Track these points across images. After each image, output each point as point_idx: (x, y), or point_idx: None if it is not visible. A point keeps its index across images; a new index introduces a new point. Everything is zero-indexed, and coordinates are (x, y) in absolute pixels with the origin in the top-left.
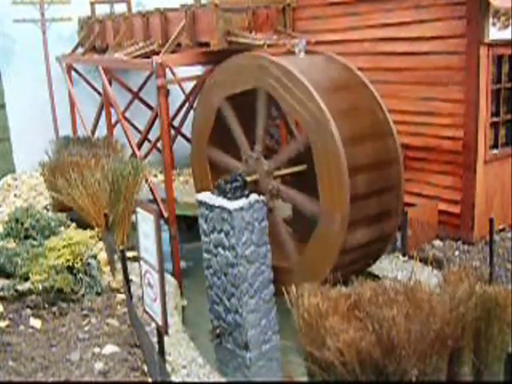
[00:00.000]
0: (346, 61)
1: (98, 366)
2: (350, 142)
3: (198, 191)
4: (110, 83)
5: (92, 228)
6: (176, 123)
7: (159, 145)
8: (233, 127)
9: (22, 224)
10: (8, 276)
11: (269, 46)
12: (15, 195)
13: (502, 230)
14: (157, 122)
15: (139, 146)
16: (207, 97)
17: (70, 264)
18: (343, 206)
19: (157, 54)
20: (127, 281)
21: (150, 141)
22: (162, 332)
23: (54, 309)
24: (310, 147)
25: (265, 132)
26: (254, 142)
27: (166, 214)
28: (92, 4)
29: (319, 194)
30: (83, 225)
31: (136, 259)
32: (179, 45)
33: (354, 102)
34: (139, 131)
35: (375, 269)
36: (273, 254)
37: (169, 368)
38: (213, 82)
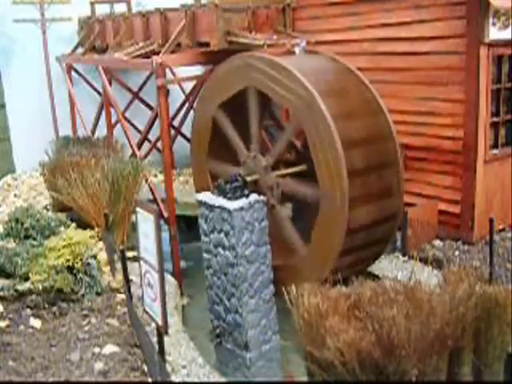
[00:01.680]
0: (334, 55)
1: (98, 365)
2: (340, 118)
3: (198, 191)
4: (110, 83)
5: (92, 228)
6: (176, 123)
7: (159, 145)
8: (229, 134)
9: (22, 224)
10: (8, 276)
11: (269, 45)
12: (15, 195)
13: (502, 229)
14: (157, 122)
15: (139, 146)
16: (202, 108)
17: (70, 264)
18: (341, 181)
19: (157, 53)
20: (127, 281)
21: (149, 141)
22: (161, 332)
23: (54, 309)
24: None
25: (259, 129)
26: (251, 142)
27: (166, 214)
28: (92, 4)
29: (316, 174)
30: (83, 225)
31: (136, 259)
32: (179, 45)
33: (340, 83)
34: (139, 131)
35: (375, 269)
36: (277, 253)
37: (169, 368)
38: (205, 93)
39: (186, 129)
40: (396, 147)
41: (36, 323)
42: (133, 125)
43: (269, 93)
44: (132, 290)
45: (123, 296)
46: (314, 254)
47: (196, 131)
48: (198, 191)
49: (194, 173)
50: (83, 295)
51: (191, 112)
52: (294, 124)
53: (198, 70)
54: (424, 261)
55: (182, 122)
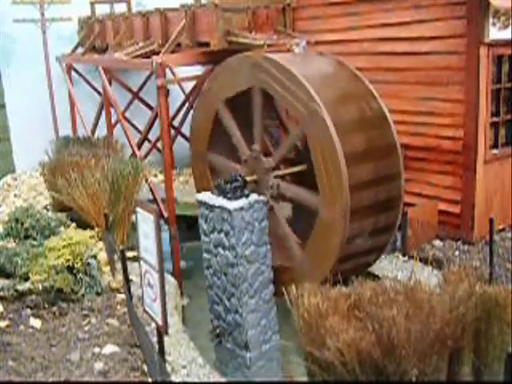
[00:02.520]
0: (340, 58)
1: (98, 365)
2: (344, 129)
3: (198, 191)
4: (110, 83)
5: (92, 228)
6: (176, 123)
7: (159, 145)
8: (231, 130)
9: (22, 224)
10: (8, 276)
11: (269, 45)
12: (15, 195)
13: (502, 229)
14: (157, 122)
15: (139, 145)
16: (204, 102)
17: (70, 264)
18: (343, 196)
19: (157, 54)
20: (127, 281)
21: (149, 141)
22: (162, 332)
23: (54, 309)
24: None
25: (262, 130)
26: (253, 141)
27: (166, 214)
28: (92, 4)
29: (317, 183)
30: (83, 225)
31: (136, 259)
32: (179, 45)
33: (344, 90)
34: (139, 131)
35: (375, 269)
36: (275, 253)
37: (169, 368)
38: (209, 88)
39: (186, 129)
40: (399, 161)
41: (36, 323)
42: (133, 125)
43: (276, 96)
44: (132, 290)
45: (123, 296)
46: (308, 261)
47: (197, 122)
48: (196, 182)
49: (192, 165)
50: (83, 295)
51: (191, 112)
52: (299, 131)
53: (197, 70)
54: (424, 261)
55: (182, 122)
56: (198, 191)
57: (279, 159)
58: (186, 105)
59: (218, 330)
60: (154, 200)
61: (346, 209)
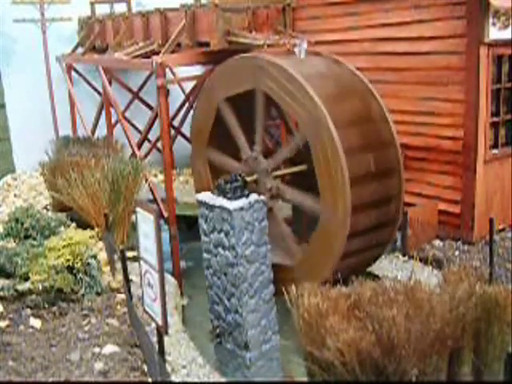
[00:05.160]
0: (340, 58)
1: (98, 365)
2: (343, 127)
3: (198, 191)
4: (110, 83)
5: (92, 228)
6: (176, 123)
7: (159, 145)
8: (232, 129)
9: (22, 224)
10: (8, 276)
11: (269, 45)
12: (15, 195)
13: (502, 230)
14: (157, 122)
15: (139, 145)
16: (206, 98)
17: (70, 264)
18: (344, 195)
19: (157, 54)
20: (127, 281)
21: (149, 141)
22: (162, 332)
23: (54, 309)
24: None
25: (264, 132)
26: (253, 142)
27: (166, 214)
28: (92, 4)
29: (318, 184)
30: (83, 225)
31: (136, 259)
32: (179, 45)
33: (347, 92)
34: (139, 131)
35: (375, 269)
36: (275, 253)
37: (169, 368)
38: (211, 84)
39: (186, 129)
40: (398, 155)
41: (36, 323)
42: (133, 125)
43: (279, 102)
44: (132, 290)
45: (123, 296)
46: (308, 263)
47: (198, 118)
48: (195, 176)
49: (192, 159)
50: (83, 295)
51: (191, 112)
52: (300, 135)
53: (197, 70)
54: (424, 261)
55: (182, 122)
56: (197, 190)
57: (279, 163)
58: (186, 105)
59: (217, 330)
60: (154, 200)
61: (347, 211)
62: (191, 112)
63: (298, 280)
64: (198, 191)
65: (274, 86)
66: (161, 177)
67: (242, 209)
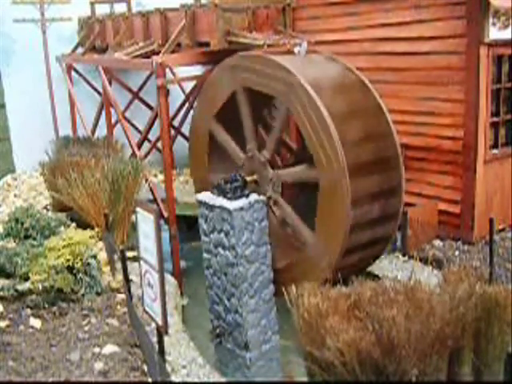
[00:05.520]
0: (340, 58)
1: (98, 365)
2: (338, 118)
3: (197, 186)
4: (110, 83)
5: (92, 228)
6: (176, 123)
7: (159, 145)
8: (225, 143)
9: (22, 224)
10: (8, 276)
11: (269, 45)
12: (15, 195)
13: (502, 230)
14: (157, 121)
15: (139, 146)
16: (197, 124)
17: (70, 264)
18: (337, 151)
19: (157, 54)
20: (127, 281)
21: (149, 141)
22: (162, 332)
23: (54, 309)
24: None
25: (254, 128)
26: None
27: (166, 214)
28: (92, 4)
29: (311, 152)
30: (83, 225)
31: (136, 259)
32: (179, 45)
33: (323, 71)
34: (139, 131)
35: (375, 269)
36: (282, 253)
37: (169, 368)
38: (198, 109)
39: (186, 129)
40: (396, 145)
41: (36, 323)
42: (133, 125)
43: (256, 87)
44: (132, 290)
45: (123, 296)
46: (322, 233)
47: (194, 147)
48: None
49: (191, 131)
50: (83, 295)
51: (191, 112)
52: (282, 112)
53: (197, 70)
54: (424, 261)
55: (181, 122)
56: (195, 179)
57: (273, 148)
58: (186, 105)
59: (218, 330)
60: (154, 200)
61: (343, 165)
62: (191, 112)
63: (314, 263)
64: (196, 186)
65: (248, 74)
66: (161, 177)
67: (241, 209)
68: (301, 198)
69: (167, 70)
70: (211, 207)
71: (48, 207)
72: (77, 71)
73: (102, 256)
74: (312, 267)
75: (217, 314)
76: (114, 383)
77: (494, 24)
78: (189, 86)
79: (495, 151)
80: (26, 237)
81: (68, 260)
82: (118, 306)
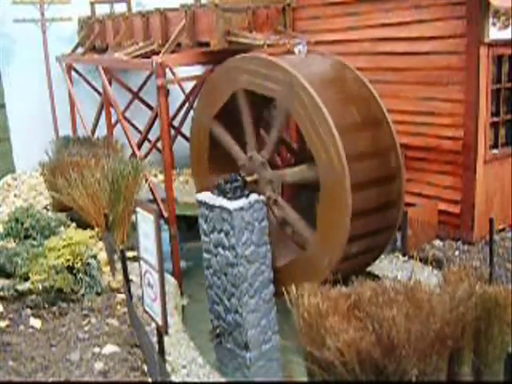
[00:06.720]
0: (340, 58)
1: (98, 365)
2: (335, 104)
3: (199, 186)
4: (110, 83)
5: (92, 228)
6: (176, 123)
7: (159, 145)
8: (226, 144)
9: (22, 224)
10: (8, 276)
11: (269, 46)
12: (15, 195)
13: (502, 230)
14: (157, 121)
15: (139, 146)
16: (198, 126)
17: (70, 264)
18: (339, 155)
19: (157, 54)
20: (127, 281)
21: (150, 141)
22: (162, 332)
23: (54, 309)
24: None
25: (254, 130)
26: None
27: (166, 214)
28: (92, 4)
29: (313, 154)
30: (83, 225)
31: (136, 259)
32: (179, 45)
33: (323, 72)
34: (139, 131)
35: (375, 269)
36: (283, 251)
37: (169, 368)
38: (198, 111)
39: (186, 129)
40: (399, 159)
41: (36, 323)
42: (133, 125)
43: (256, 89)
44: (132, 290)
45: (123, 296)
46: (322, 233)
47: (195, 148)
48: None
49: (191, 130)
50: (83, 295)
51: (191, 112)
52: (281, 112)
53: (197, 70)
54: (424, 261)
55: (181, 122)
56: (197, 180)
57: (272, 148)
58: (186, 105)
59: (218, 330)
60: (154, 200)
61: (344, 164)
62: (191, 112)
63: (312, 266)
64: (197, 184)
65: (247, 76)
66: (161, 177)
67: (242, 209)
68: (301, 198)
69: (167, 70)
70: (211, 207)
71: (48, 207)
72: (77, 71)
73: (102, 256)
74: (312, 267)
75: (217, 314)
76: (114, 383)
77: (494, 24)
78: (189, 86)
79: (495, 151)
80: (26, 237)
81: (68, 260)
82: (118, 306)
